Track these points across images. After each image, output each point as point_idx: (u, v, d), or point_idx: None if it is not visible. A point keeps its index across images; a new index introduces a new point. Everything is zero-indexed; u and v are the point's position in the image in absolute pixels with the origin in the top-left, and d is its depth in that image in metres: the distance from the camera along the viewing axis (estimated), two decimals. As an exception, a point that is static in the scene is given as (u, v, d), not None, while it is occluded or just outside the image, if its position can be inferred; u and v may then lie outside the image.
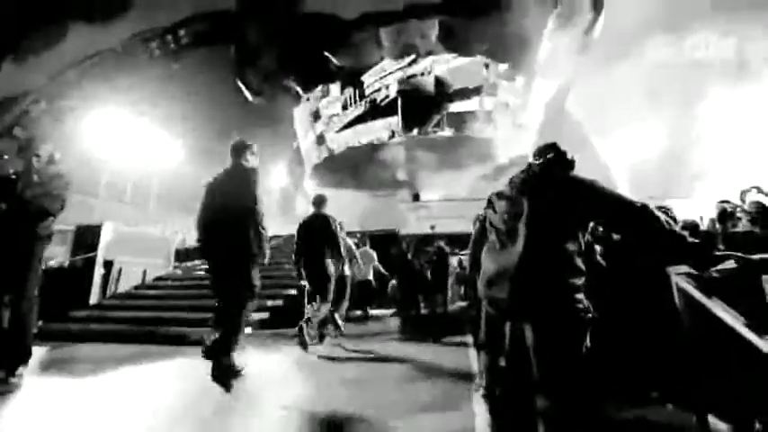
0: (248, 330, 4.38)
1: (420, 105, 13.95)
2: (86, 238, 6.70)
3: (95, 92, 14.11)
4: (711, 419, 1.87)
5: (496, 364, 1.75)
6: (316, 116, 15.28)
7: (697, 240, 1.61)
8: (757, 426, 1.73)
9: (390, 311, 7.06)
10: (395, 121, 14.02)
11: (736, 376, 1.75)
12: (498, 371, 1.74)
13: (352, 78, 14.68)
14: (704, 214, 5.66)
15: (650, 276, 2.14)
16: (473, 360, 3.15)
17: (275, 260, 5.89)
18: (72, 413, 2.22)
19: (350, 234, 5.96)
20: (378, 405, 2.24)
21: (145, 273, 7.11)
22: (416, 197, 14.72)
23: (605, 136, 14.73)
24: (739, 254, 1.58)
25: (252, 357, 3.17)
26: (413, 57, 14.24)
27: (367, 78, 14.60)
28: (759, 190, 4.02)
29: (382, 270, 7.13)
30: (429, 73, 14.26)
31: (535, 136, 13.83)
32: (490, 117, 14.02)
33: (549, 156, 1.67)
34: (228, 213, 2.79)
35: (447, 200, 13.57)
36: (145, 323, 4.90)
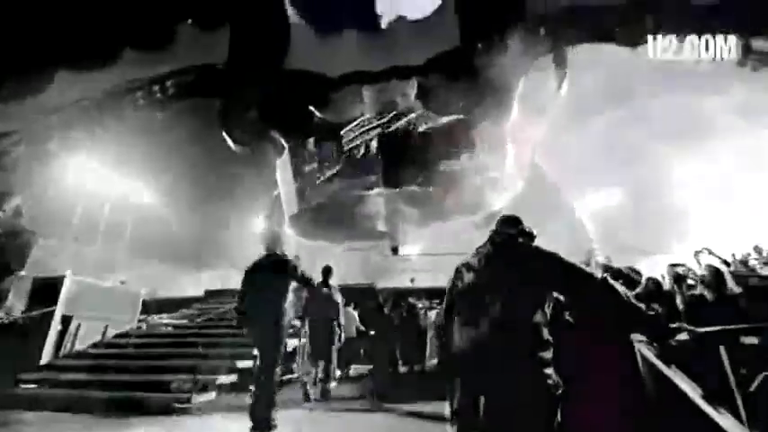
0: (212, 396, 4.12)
1: (403, 161, 14.35)
2: (45, 290, 6.31)
3: (77, 138, 14.05)
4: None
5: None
6: (296, 169, 15.55)
7: (652, 313, 1.71)
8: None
9: (368, 368, 6.78)
10: (375, 176, 14.36)
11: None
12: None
13: (332, 132, 15.22)
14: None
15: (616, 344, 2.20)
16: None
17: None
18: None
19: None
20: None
21: (106, 329, 6.66)
22: (395, 250, 14.69)
23: (577, 188, 15.33)
24: (690, 327, 1.68)
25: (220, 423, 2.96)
26: (394, 113, 14.95)
27: (347, 133, 15.17)
28: (710, 251, 4.31)
29: (362, 328, 6.98)
30: (413, 129, 14.82)
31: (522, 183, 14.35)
32: (476, 172, 14.34)
33: (510, 231, 1.77)
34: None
35: (427, 254, 13.58)
36: (101, 387, 4.53)
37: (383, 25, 17.58)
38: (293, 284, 3.42)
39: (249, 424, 2.96)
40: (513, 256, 1.65)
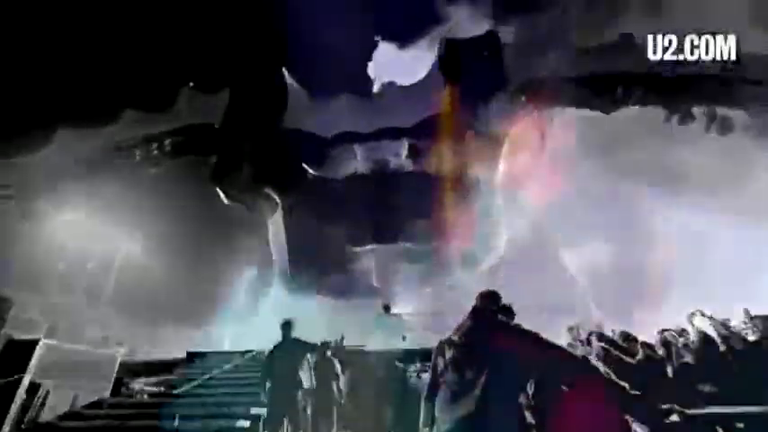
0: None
1: (395, 216, 14.52)
2: (17, 352, 5.93)
3: (67, 196, 14.15)
4: None
5: None
6: (288, 225, 15.64)
7: (638, 393, 1.66)
8: None
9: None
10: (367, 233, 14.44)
11: None
12: None
13: (325, 188, 15.58)
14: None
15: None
16: None
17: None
18: None
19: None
20: None
21: (75, 398, 6.19)
22: (387, 308, 14.41)
23: (571, 246, 15.26)
24: (680, 409, 1.63)
25: None
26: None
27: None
28: (702, 314, 4.28)
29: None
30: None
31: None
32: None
33: (492, 307, 1.78)
34: None
35: (420, 314, 13.24)
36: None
37: (375, 89, 18.90)
38: None
39: None
40: (493, 339, 1.64)
